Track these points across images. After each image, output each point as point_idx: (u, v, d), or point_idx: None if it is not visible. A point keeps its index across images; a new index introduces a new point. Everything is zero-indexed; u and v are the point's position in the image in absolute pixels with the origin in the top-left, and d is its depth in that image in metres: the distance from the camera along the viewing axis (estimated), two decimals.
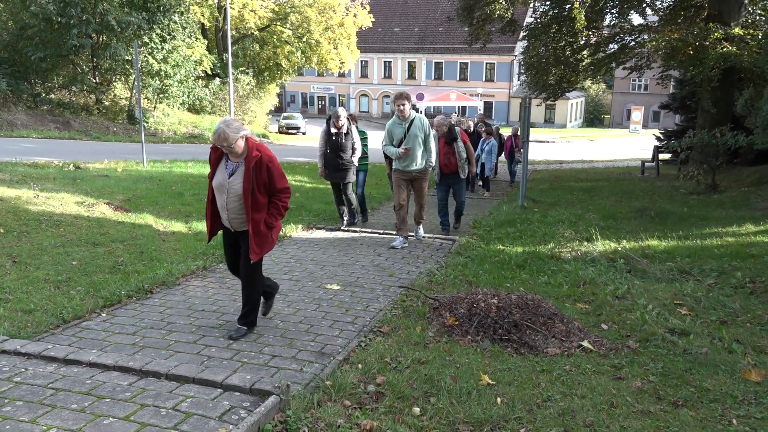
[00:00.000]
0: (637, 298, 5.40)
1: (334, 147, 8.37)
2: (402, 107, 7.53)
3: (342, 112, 8.38)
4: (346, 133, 8.40)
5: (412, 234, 8.19)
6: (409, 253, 7.54)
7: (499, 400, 3.51)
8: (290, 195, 4.59)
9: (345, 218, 8.90)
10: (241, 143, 4.31)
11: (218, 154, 4.51)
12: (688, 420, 3.32)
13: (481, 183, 14.56)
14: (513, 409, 3.42)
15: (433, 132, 8.15)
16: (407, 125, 7.58)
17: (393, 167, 7.93)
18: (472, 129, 14.58)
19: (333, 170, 8.49)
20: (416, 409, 3.39)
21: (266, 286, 4.85)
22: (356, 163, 8.59)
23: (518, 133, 15.46)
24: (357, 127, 8.98)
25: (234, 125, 4.28)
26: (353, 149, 8.52)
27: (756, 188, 13.04)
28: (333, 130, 8.36)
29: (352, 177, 8.63)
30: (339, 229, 8.73)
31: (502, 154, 16.85)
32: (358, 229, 8.86)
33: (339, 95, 61.01)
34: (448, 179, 8.78)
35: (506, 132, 18.03)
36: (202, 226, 8.45)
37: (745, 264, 6.50)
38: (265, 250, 4.49)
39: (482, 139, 14.43)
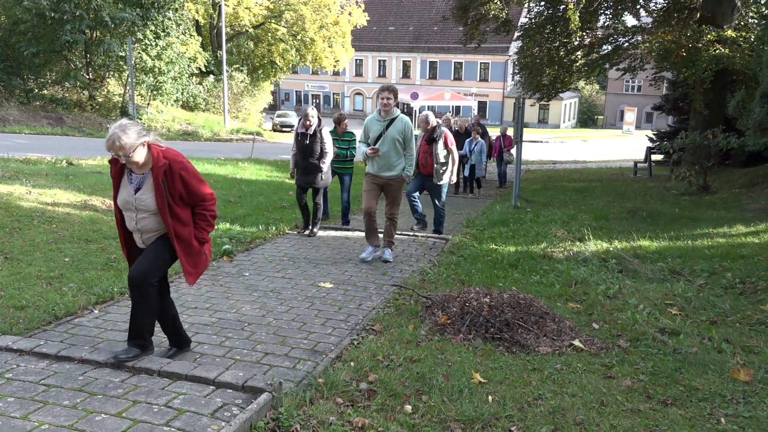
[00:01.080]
0: (628, 298, 5.44)
1: (301, 148, 7.81)
2: (387, 101, 6.63)
3: (312, 111, 7.75)
4: (313, 135, 7.73)
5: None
6: (402, 251, 7.56)
7: (490, 398, 3.53)
8: (215, 201, 3.99)
9: (310, 227, 8.19)
10: (141, 152, 3.62)
11: (118, 168, 3.78)
12: (677, 419, 3.35)
13: (477, 185, 14.47)
14: (504, 407, 3.44)
15: (419, 132, 7.81)
16: (386, 123, 6.67)
17: (366, 170, 7.03)
18: (462, 130, 14.35)
19: (301, 173, 7.97)
20: (408, 407, 3.41)
21: (178, 334, 4.17)
22: (325, 169, 7.90)
23: (506, 133, 15.41)
24: (344, 129, 8.74)
25: (132, 130, 3.58)
26: (323, 153, 7.84)
27: (747, 189, 13.14)
28: (301, 130, 7.82)
29: (321, 182, 8.00)
30: (305, 233, 8.14)
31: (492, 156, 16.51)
32: (351, 228, 8.84)
33: (333, 93, 60.96)
34: (425, 179, 8.36)
35: (494, 132, 17.94)
36: None
37: (736, 265, 6.56)
38: (201, 269, 3.97)
39: (469, 140, 13.96)
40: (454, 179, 8.66)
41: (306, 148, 7.73)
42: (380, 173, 6.79)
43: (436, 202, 8.40)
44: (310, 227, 8.15)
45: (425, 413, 3.36)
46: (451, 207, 11.67)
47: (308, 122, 7.67)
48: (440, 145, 8.02)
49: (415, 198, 8.54)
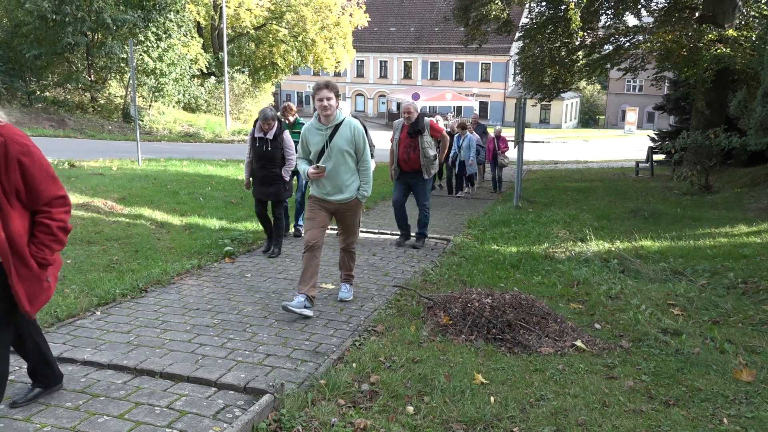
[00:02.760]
0: (630, 298, 5.44)
1: (259, 156, 6.75)
2: (326, 102, 4.87)
3: (270, 112, 6.68)
4: (274, 139, 6.68)
5: (346, 287, 5.59)
6: (404, 252, 7.56)
7: (492, 399, 3.53)
8: (70, 209, 2.99)
9: (273, 247, 7.10)
10: None
11: None
12: (679, 419, 3.35)
13: (469, 183, 13.75)
14: (506, 408, 3.44)
15: (398, 132, 7.23)
16: (330, 132, 4.99)
17: (310, 192, 5.35)
18: (454, 131, 13.53)
19: (260, 183, 6.87)
20: (410, 408, 3.41)
21: (47, 366, 3.31)
22: (288, 178, 6.96)
23: (501, 135, 14.62)
24: (297, 118, 7.89)
25: None
26: (285, 160, 6.85)
27: (749, 189, 13.12)
28: (258, 134, 6.74)
29: (285, 194, 7.01)
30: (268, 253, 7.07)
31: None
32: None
33: None
34: (408, 178, 7.53)
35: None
36: (197, 225, 8.45)
37: (738, 264, 6.55)
38: (39, 302, 2.95)
39: (456, 135, 13.18)
40: (441, 158, 8.17)
41: (265, 155, 6.70)
42: (328, 197, 5.13)
43: (422, 201, 7.68)
44: (272, 246, 7.10)
45: (427, 414, 3.36)
46: (452, 208, 11.69)
47: (267, 125, 6.66)
48: (426, 137, 7.29)
49: (403, 207, 7.77)
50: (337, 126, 5.01)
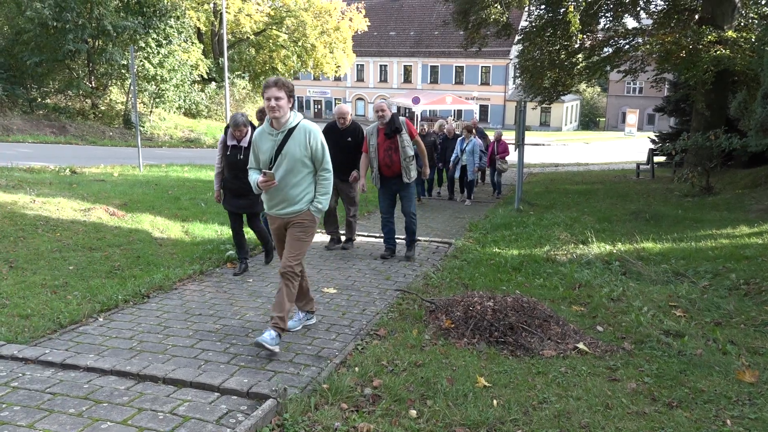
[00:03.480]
0: (632, 300, 5.43)
1: (232, 165, 6.19)
2: (276, 102, 4.26)
3: (241, 118, 6.10)
4: (248, 147, 6.05)
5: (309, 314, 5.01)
6: (404, 256, 7.55)
7: (495, 402, 3.53)
8: None
9: (264, 258, 6.85)
10: None
11: None
12: (682, 421, 3.35)
13: (467, 190, 12.98)
14: (509, 411, 3.44)
15: (374, 137, 6.87)
16: (282, 137, 4.39)
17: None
18: (451, 135, 13.28)
19: (233, 195, 6.31)
20: (413, 412, 3.41)
21: None
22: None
23: (501, 139, 14.28)
24: None
25: None
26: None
27: (750, 190, 13.11)
28: (231, 142, 6.22)
29: (259, 206, 6.04)
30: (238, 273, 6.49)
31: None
32: (355, 232, 8.79)
33: (335, 99, 61.06)
34: (392, 184, 7.13)
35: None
36: (199, 230, 8.46)
37: (740, 266, 6.54)
38: None
39: (460, 138, 12.75)
40: (428, 171, 7.72)
41: (238, 164, 6.09)
42: (278, 211, 4.52)
43: (410, 209, 7.23)
44: (244, 266, 6.57)
45: (430, 418, 3.36)
46: (453, 211, 11.69)
47: (239, 132, 6.10)
48: (405, 135, 6.93)
49: (392, 220, 7.40)
50: (291, 131, 4.40)
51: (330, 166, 4.55)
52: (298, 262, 4.47)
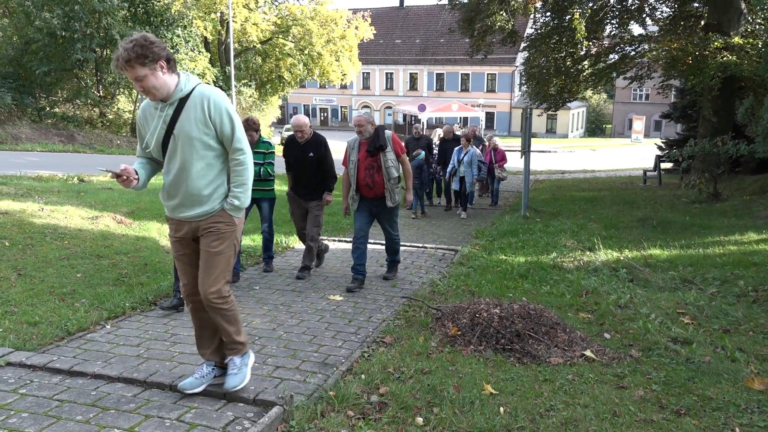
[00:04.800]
0: (640, 308, 5.41)
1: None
2: (141, 85, 3.19)
3: None
4: None
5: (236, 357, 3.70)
6: (411, 263, 7.56)
7: (501, 409, 3.52)
8: None
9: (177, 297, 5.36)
10: None
11: None
12: (690, 429, 3.32)
13: (463, 203, 12.00)
14: (516, 418, 3.42)
15: (355, 152, 6.10)
16: (171, 110, 3.31)
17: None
18: (449, 136, 12.37)
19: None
20: (419, 419, 3.40)
21: None
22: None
23: (498, 147, 13.84)
24: (260, 136, 6.49)
25: None
26: None
27: (758, 197, 13.05)
28: None
29: None
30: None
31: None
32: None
33: (341, 107, 61.31)
34: (372, 204, 6.29)
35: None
36: None
37: (748, 272, 6.51)
38: None
39: (458, 148, 11.61)
40: (411, 198, 6.56)
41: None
42: (178, 213, 3.45)
43: (393, 232, 6.56)
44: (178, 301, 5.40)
45: (436, 425, 3.35)
46: (459, 219, 11.66)
47: None
48: (390, 154, 6.12)
49: (365, 243, 6.39)
50: (182, 101, 3.29)
51: (244, 145, 3.41)
52: (219, 288, 3.42)
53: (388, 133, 6.21)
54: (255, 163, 5.78)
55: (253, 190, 5.58)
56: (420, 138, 12.47)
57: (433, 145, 12.75)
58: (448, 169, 11.78)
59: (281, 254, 7.80)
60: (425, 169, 11.86)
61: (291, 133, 6.72)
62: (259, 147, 6.46)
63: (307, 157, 6.51)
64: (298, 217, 6.85)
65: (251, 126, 6.30)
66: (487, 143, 14.42)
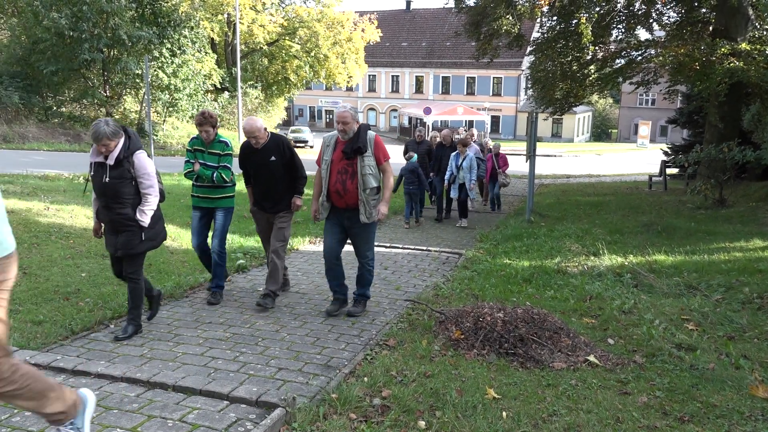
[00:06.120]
0: (644, 313, 5.39)
1: (99, 190, 4.53)
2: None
3: (105, 128, 4.29)
4: (117, 165, 4.41)
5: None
6: (415, 266, 7.55)
7: (504, 414, 3.51)
8: None
9: (127, 323, 4.80)
10: None
11: None
12: None
13: (462, 211, 11.18)
14: (518, 423, 3.42)
15: (329, 151, 5.21)
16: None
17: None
18: (447, 142, 11.43)
19: (107, 230, 4.73)
20: (422, 423, 3.40)
21: None
22: (146, 222, 4.59)
23: (500, 152, 13.33)
24: (212, 136, 5.50)
25: None
26: (140, 194, 4.57)
27: (764, 203, 13.00)
28: (96, 159, 4.49)
29: (141, 246, 4.65)
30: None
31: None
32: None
33: None
34: (343, 217, 5.29)
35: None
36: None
37: (753, 279, 6.48)
38: None
39: (455, 153, 10.84)
40: (385, 211, 5.25)
41: (106, 189, 4.48)
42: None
43: (365, 251, 5.43)
44: (134, 327, 4.77)
45: (439, 429, 3.35)
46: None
47: (104, 147, 4.35)
48: (369, 160, 5.14)
49: (338, 263, 5.49)
50: None
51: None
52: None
53: (371, 134, 5.20)
54: (207, 166, 5.50)
55: (206, 198, 5.68)
56: (422, 142, 11.64)
57: (433, 150, 11.76)
58: (446, 176, 10.94)
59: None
60: (421, 174, 10.79)
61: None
62: (214, 147, 5.59)
63: (269, 163, 5.57)
64: (266, 234, 5.95)
65: (207, 120, 5.47)
66: (483, 146, 13.83)
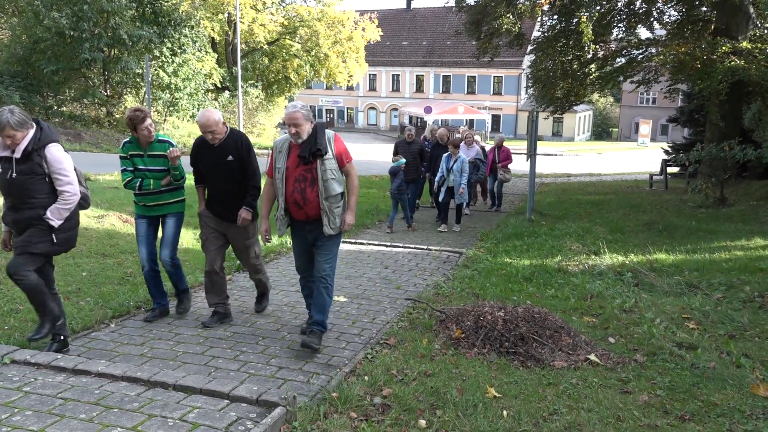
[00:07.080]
0: (645, 312, 5.39)
1: (6, 188, 4.09)
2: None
3: (12, 117, 3.89)
4: (25, 158, 3.98)
5: None
6: (416, 265, 7.55)
7: (505, 413, 3.51)
8: None
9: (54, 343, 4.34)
10: None
11: None
12: None
13: (456, 214, 10.57)
14: (519, 422, 3.41)
15: (283, 157, 4.49)
16: None
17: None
18: (443, 141, 10.97)
19: (17, 235, 4.21)
20: (422, 422, 3.39)
21: None
22: (57, 223, 4.10)
23: (502, 146, 13.02)
24: (149, 136, 4.87)
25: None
26: (51, 192, 4.10)
27: (765, 202, 12.99)
28: (3, 154, 4.04)
29: (42, 246, 4.11)
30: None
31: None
32: (365, 241, 8.79)
33: (347, 108, 61.34)
34: (305, 230, 4.63)
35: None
36: None
37: (754, 278, 6.47)
38: None
39: (446, 155, 10.14)
40: (351, 220, 4.61)
41: (12, 185, 4.04)
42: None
43: (325, 265, 4.58)
44: (61, 345, 4.35)
45: (439, 428, 3.34)
46: (464, 220, 11.60)
47: (9, 139, 3.94)
48: (330, 162, 4.45)
49: (306, 271, 4.86)
50: None
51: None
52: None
53: (329, 133, 4.53)
54: (148, 171, 4.97)
55: (155, 205, 5.09)
56: (412, 142, 10.70)
57: (425, 150, 11.18)
58: (437, 179, 10.36)
59: (286, 255, 7.78)
60: (402, 179, 10.14)
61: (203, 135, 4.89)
62: (154, 148, 4.99)
63: (225, 163, 4.86)
64: (212, 245, 5.10)
65: (138, 118, 4.85)
66: (479, 146, 13.24)
